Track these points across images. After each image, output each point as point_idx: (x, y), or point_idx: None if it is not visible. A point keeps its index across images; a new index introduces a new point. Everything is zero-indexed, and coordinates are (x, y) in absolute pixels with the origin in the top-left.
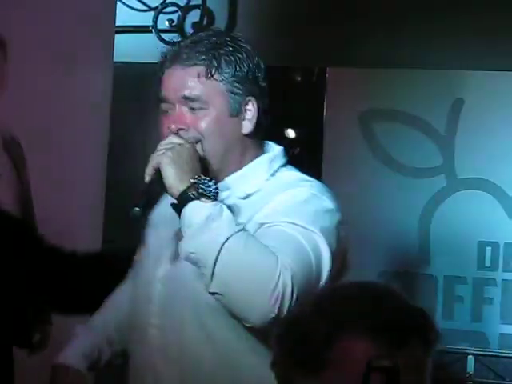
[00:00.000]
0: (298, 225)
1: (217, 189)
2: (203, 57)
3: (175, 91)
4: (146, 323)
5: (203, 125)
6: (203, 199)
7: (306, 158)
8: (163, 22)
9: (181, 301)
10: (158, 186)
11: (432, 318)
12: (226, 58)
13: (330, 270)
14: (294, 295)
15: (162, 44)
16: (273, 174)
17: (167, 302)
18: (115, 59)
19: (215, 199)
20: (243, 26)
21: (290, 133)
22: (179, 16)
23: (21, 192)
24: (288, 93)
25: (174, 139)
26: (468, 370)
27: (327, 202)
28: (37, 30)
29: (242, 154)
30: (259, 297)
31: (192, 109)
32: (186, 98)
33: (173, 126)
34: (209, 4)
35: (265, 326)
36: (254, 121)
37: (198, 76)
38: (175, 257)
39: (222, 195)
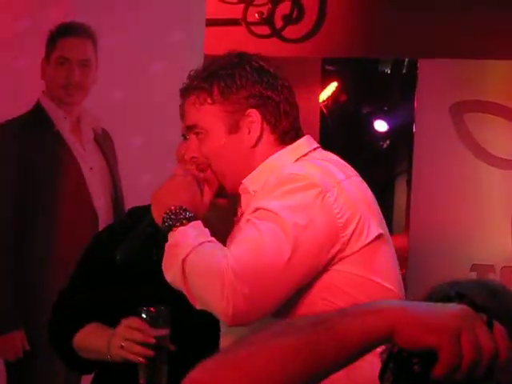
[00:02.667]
0: (261, 209)
1: (187, 214)
2: (197, 85)
3: (183, 122)
4: None
5: (205, 149)
6: (174, 228)
7: (396, 150)
8: (253, 15)
9: None
10: None
11: None
12: (218, 81)
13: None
14: (244, 290)
15: (251, 37)
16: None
17: None
18: (205, 52)
19: (183, 225)
20: (333, 17)
21: (381, 125)
22: (269, 9)
23: (112, 184)
24: (378, 85)
25: (177, 169)
26: None
27: (302, 180)
28: (126, 25)
29: (257, 164)
30: (215, 302)
31: (197, 135)
32: (188, 127)
33: (186, 155)
34: None
35: (241, 322)
36: (258, 132)
37: (194, 104)
38: None
39: (244, 197)
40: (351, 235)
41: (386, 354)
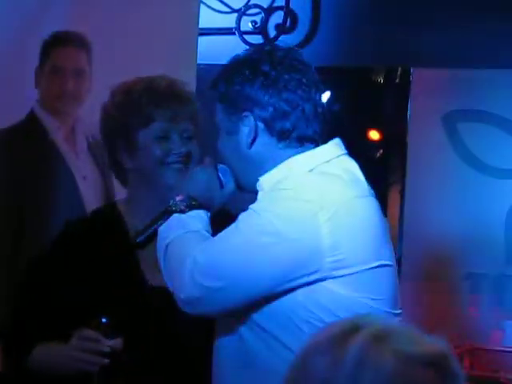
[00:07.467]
0: (251, 209)
1: (190, 203)
2: (209, 86)
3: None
4: None
5: (217, 145)
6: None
7: (389, 160)
8: (246, 24)
9: None
10: None
11: None
12: (221, 80)
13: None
14: (202, 281)
15: (245, 46)
16: (310, 171)
17: None
18: (198, 61)
19: (179, 212)
20: (326, 26)
21: (374, 134)
22: (262, 18)
23: (105, 193)
24: (371, 94)
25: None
26: None
27: (300, 192)
28: (120, 33)
29: (262, 165)
30: (175, 287)
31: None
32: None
33: None
34: (292, 5)
35: (194, 310)
36: (253, 135)
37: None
38: None
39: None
40: (343, 258)
41: None
